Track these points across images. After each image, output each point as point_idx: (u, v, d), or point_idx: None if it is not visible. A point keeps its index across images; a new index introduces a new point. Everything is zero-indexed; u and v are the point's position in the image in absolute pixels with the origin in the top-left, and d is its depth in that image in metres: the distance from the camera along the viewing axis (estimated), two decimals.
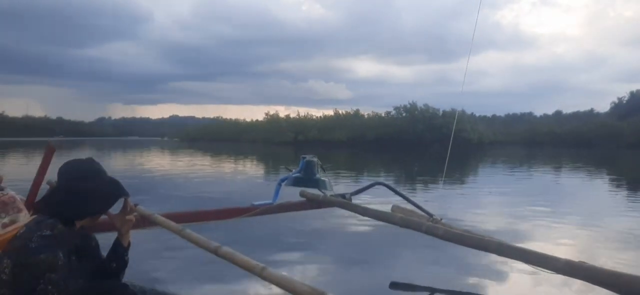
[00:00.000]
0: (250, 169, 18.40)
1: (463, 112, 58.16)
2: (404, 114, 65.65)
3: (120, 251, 2.22)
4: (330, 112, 76.17)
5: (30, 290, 1.71)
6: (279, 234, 5.32)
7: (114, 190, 2.08)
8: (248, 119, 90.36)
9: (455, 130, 5.57)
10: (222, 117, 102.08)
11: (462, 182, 13.93)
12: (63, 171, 2.05)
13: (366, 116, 72.44)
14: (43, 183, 3.12)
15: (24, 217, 2.68)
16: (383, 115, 70.98)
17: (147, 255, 4.03)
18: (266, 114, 79.07)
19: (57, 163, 2.28)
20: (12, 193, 2.83)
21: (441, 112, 60.73)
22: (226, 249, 2.20)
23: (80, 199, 1.96)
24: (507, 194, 11.21)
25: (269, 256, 4.19)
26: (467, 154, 37.12)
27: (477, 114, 69.61)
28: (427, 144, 48.96)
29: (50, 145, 3.16)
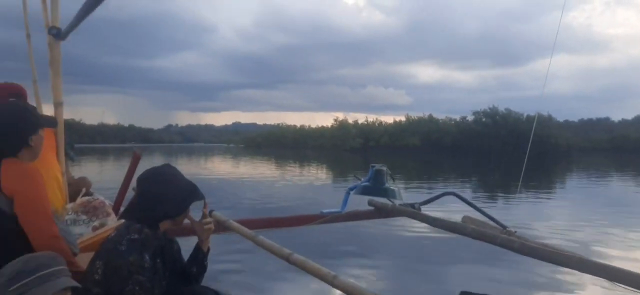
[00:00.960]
0: (317, 176, 18.70)
1: (549, 117, 55.35)
2: (483, 119, 63.39)
3: (200, 256, 2.42)
4: (401, 118, 75.12)
5: (119, 291, 1.91)
6: (348, 242, 5.46)
7: (189, 193, 2.26)
8: (312, 126, 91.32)
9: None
10: (285, 124, 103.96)
11: (548, 192, 13.35)
12: (142, 178, 2.25)
13: (441, 121, 70.65)
14: (129, 189, 3.45)
15: (112, 221, 3.03)
16: (458, 119, 69.04)
17: (220, 259, 4.32)
18: (335, 120, 79.35)
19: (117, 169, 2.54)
20: (101, 198, 3.22)
21: (525, 117, 58.10)
22: (298, 256, 2.35)
23: (158, 203, 2.14)
24: (597, 206, 10.63)
25: (338, 264, 4.34)
26: (555, 161, 35.28)
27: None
28: (509, 151, 47.05)
29: (136, 153, 3.48)
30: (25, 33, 3.89)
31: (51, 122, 2.52)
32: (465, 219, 4.18)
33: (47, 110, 3.52)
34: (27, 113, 2.28)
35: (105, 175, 16.14)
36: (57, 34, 3.06)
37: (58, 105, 3.19)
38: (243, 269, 4.21)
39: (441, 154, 49.39)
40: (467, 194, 10.66)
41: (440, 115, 74.98)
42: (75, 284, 1.76)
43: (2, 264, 1.78)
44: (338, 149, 62.14)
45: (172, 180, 2.21)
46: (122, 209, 3.55)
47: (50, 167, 2.83)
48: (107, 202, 3.24)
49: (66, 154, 3.37)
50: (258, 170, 21.96)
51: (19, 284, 1.62)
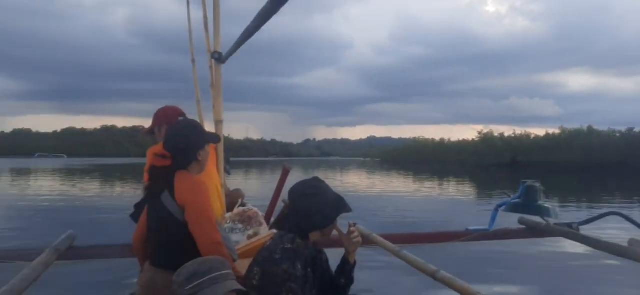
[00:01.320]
0: (459, 192, 18.10)
1: None
2: None
3: (347, 268, 2.52)
4: (554, 130, 69.21)
5: None
6: (496, 262, 5.23)
7: (337, 205, 2.37)
8: (452, 139, 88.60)
9: None
10: (422, 137, 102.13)
11: None
12: (293, 191, 2.41)
13: (603, 133, 63.41)
14: (279, 200, 3.73)
15: (264, 231, 3.31)
16: (624, 131, 61.45)
17: (364, 272, 4.43)
18: (479, 133, 75.80)
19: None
20: (255, 209, 3.53)
21: None
22: (445, 273, 2.35)
23: (308, 214, 2.29)
24: None
25: (486, 285, 4.20)
26: None
27: None
28: None
29: (286, 167, 3.75)
30: (191, 58, 4.43)
31: (215, 138, 2.84)
32: (633, 242, 3.78)
33: (208, 127, 3.94)
34: (197, 130, 2.59)
35: (251, 187, 17.40)
36: (219, 58, 3.44)
37: (218, 122, 3.56)
38: (387, 284, 4.27)
39: (604, 170, 44.55)
40: (637, 214, 9.54)
41: (601, 127, 67.67)
42: (241, 287, 1.97)
43: (176, 265, 2.07)
44: (482, 163, 59.34)
45: (321, 193, 2.35)
46: (272, 219, 3.85)
47: (212, 179, 3.18)
48: (260, 212, 3.53)
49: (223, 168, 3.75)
50: (395, 185, 21.93)
51: (194, 284, 1.87)
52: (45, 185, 24.98)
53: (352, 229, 2.49)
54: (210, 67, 3.94)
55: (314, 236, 2.35)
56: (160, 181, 2.43)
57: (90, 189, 22.91)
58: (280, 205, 3.70)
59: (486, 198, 15.36)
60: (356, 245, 2.47)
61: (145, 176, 2.96)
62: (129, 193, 20.11)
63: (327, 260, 2.51)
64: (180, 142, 2.46)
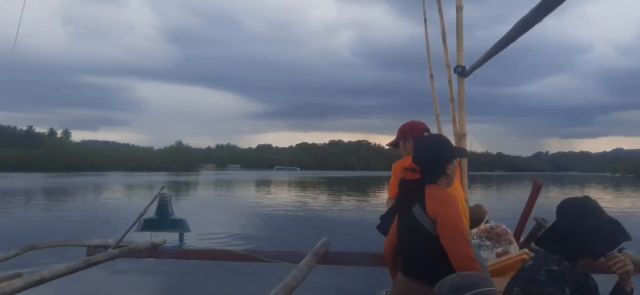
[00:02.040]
0: None
1: None
2: None
3: None
4: None
5: None
6: None
7: (615, 231, 2.14)
8: None
9: None
10: None
11: None
12: (562, 209, 2.24)
13: None
14: (530, 217, 3.54)
15: (514, 249, 3.18)
16: None
17: None
18: None
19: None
20: (504, 226, 3.40)
21: None
22: None
23: (581, 238, 2.11)
24: None
25: None
26: None
27: None
28: None
29: (538, 182, 3.55)
30: (429, 73, 4.52)
31: (463, 152, 2.84)
32: None
33: None
34: (445, 144, 2.62)
35: (478, 201, 16.82)
36: (462, 72, 3.43)
37: (461, 136, 3.53)
38: None
39: None
40: None
41: None
42: None
43: (428, 276, 2.12)
44: None
45: (596, 216, 2.15)
46: (522, 237, 3.67)
47: (458, 193, 3.19)
48: (510, 230, 3.40)
49: None
50: None
51: None
52: (288, 195, 28.40)
53: (618, 255, 2.22)
54: (449, 81, 3.97)
55: (584, 261, 2.18)
56: (411, 194, 2.52)
57: (325, 199, 25.17)
58: (530, 223, 3.52)
59: None
60: (627, 273, 2.19)
61: (392, 190, 3.11)
62: (361, 204, 21.41)
63: (596, 287, 2.29)
64: (429, 156, 2.51)
